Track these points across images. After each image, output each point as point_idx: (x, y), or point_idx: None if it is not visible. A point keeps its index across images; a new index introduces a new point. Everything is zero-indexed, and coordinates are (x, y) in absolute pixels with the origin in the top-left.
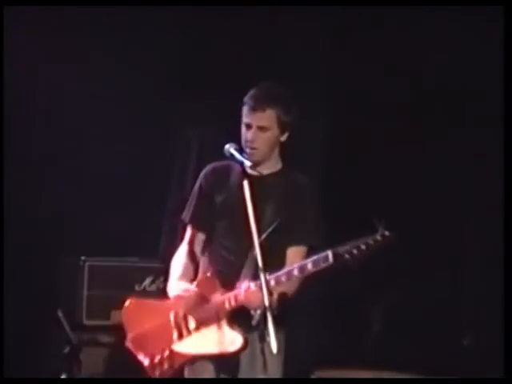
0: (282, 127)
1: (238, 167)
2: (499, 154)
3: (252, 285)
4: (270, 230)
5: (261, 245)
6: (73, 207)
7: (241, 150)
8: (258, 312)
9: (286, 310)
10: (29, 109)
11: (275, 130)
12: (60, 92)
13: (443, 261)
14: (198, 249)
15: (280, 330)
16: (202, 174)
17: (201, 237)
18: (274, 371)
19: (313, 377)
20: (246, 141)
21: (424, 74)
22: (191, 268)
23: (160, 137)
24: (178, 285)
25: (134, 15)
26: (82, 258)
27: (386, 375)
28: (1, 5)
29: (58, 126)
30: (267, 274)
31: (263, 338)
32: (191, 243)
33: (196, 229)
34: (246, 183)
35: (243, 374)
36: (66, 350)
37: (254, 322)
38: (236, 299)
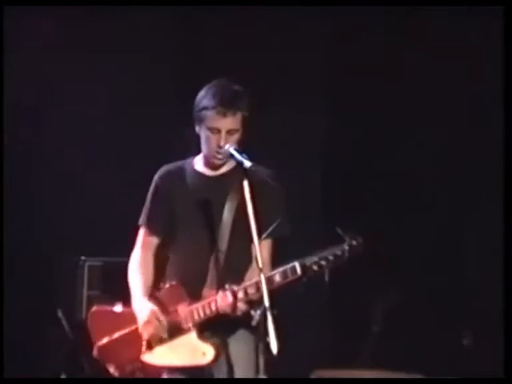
0: (245, 125)
1: (190, 168)
2: (499, 154)
3: (228, 294)
4: (270, 229)
5: (221, 248)
6: (73, 207)
7: (240, 150)
8: (258, 312)
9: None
10: (29, 109)
11: (241, 130)
12: (60, 92)
13: (443, 261)
14: (151, 254)
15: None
16: (156, 177)
17: (155, 242)
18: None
19: (313, 377)
20: (218, 146)
21: (424, 74)
22: (149, 274)
23: (160, 137)
24: (142, 304)
25: (134, 15)
26: (82, 257)
27: (386, 375)
28: (1, 5)
29: (58, 125)
30: (234, 286)
31: (263, 338)
32: (146, 248)
33: (153, 233)
34: (245, 183)
35: (243, 374)
36: (66, 349)
37: (253, 322)
38: (210, 308)
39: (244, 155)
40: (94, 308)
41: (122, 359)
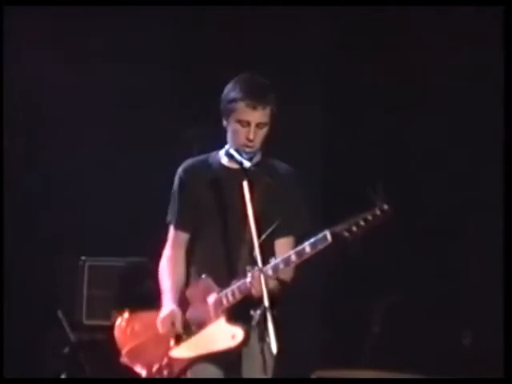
0: (273, 120)
1: (215, 161)
2: (499, 154)
3: (255, 271)
4: (269, 230)
5: (248, 241)
6: (73, 207)
7: (240, 151)
8: (258, 312)
9: (285, 309)
10: (29, 109)
11: (269, 124)
12: (60, 92)
13: (443, 260)
14: (183, 250)
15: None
16: (180, 171)
17: (186, 237)
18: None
19: (313, 377)
20: (247, 139)
21: (424, 74)
22: (181, 273)
23: (160, 137)
24: (164, 304)
25: (134, 15)
26: (82, 258)
27: (386, 375)
28: (1, 5)
29: (58, 126)
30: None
31: (263, 337)
32: (176, 245)
33: (181, 229)
34: (245, 184)
35: (243, 374)
36: (66, 350)
37: (253, 322)
38: (239, 290)
39: (244, 155)
40: (123, 316)
41: (149, 359)
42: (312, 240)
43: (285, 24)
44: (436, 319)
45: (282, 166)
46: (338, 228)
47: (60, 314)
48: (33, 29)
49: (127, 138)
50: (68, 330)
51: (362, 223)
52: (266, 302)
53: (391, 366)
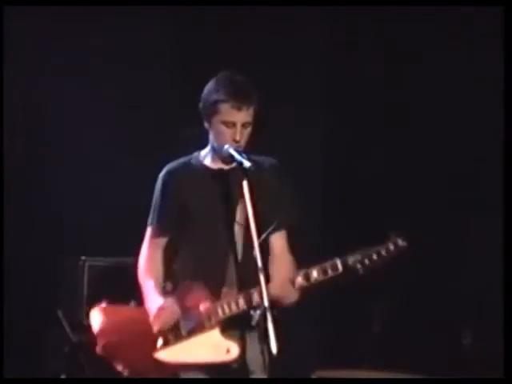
0: (256, 118)
1: (198, 163)
2: (499, 154)
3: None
4: (269, 230)
5: (236, 244)
6: (73, 207)
7: (239, 151)
8: (258, 312)
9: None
10: (29, 109)
11: (252, 123)
12: (60, 92)
13: (443, 261)
14: (161, 252)
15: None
16: (164, 174)
17: (165, 240)
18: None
19: (313, 377)
20: (233, 140)
21: (424, 74)
22: (161, 275)
23: (160, 137)
24: (154, 301)
25: (134, 15)
26: (82, 257)
27: (385, 375)
28: (1, 5)
29: (58, 126)
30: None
31: (263, 338)
32: (156, 247)
33: (163, 233)
34: (245, 183)
35: (242, 374)
36: (66, 349)
37: (253, 323)
38: (237, 305)
39: (243, 155)
40: (101, 305)
41: (131, 358)
42: (321, 265)
43: (285, 24)
44: (436, 319)
45: (264, 161)
46: (351, 259)
47: (60, 314)
48: (33, 29)
49: (127, 138)
50: (68, 330)
51: (374, 257)
52: (266, 302)
53: (391, 365)
